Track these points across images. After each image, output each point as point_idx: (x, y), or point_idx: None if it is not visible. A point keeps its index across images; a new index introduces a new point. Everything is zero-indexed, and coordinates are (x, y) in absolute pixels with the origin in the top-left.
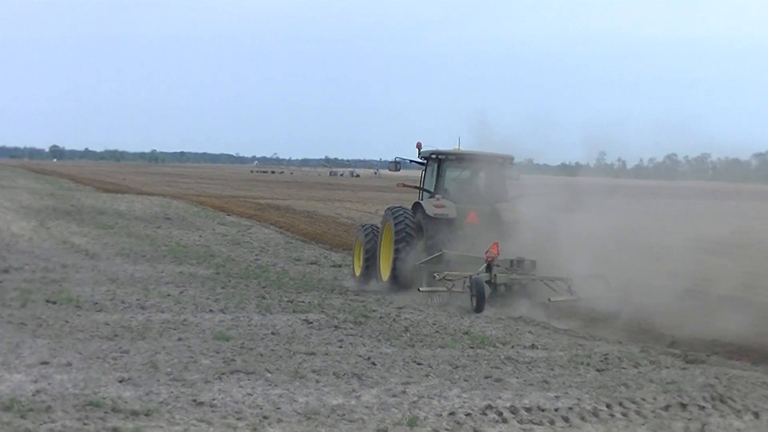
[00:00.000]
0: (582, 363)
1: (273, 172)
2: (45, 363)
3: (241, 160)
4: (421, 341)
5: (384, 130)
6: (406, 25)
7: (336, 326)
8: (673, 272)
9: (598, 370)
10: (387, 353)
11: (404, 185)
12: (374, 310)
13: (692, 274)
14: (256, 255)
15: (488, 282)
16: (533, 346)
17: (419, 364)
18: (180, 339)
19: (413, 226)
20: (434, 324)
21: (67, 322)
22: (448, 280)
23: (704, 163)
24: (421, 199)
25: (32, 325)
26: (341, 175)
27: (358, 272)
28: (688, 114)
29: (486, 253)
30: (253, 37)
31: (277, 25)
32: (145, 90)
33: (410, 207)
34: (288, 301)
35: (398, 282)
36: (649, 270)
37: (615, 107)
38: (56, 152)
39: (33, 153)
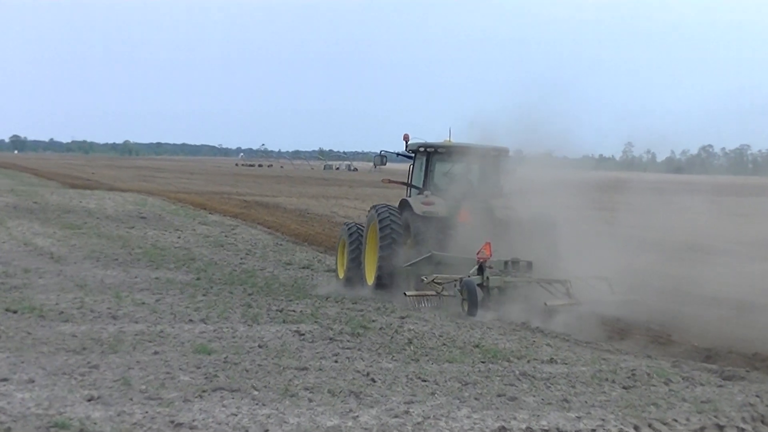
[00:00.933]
0: (606, 379)
1: (261, 166)
2: (4, 380)
3: (225, 152)
4: (427, 355)
5: (385, 119)
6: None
7: (331, 338)
8: (704, 277)
9: (624, 388)
10: (388, 368)
11: (390, 181)
12: (374, 321)
13: (727, 280)
14: (242, 258)
15: (480, 285)
16: (552, 361)
17: (424, 380)
18: (156, 352)
19: (400, 225)
20: (441, 336)
21: (29, 333)
22: (438, 283)
23: (743, 155)
24: (409, 196)
25: None
26: (337, 168)
27: (341, 275)
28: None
29: (478, 254)
30: (237, 16)
31: (263, 3)
32: (118, 74)
33: (397, 205)
34: (277, 310)
35: (384, 286)
36: (677, 274)
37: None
38: (17, 143)
39: None
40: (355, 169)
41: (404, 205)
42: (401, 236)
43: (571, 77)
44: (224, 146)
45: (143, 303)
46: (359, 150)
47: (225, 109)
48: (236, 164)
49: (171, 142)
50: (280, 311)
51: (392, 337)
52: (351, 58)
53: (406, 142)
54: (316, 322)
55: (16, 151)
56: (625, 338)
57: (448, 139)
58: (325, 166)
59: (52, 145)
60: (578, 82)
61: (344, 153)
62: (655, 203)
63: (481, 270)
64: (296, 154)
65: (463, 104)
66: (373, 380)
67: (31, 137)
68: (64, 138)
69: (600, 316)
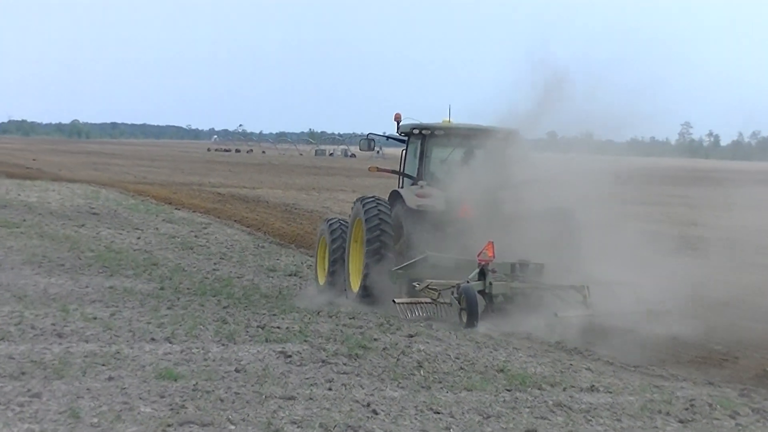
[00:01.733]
0: (659, 411)
1: (238, 151)
2: None
3: (195, 134)
4: (440, 381)
5: (388, 95)
6: None
7: (324, 361)
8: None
9: (681, 422)
10: (393, 398)
11: (378, 169)
12: (376, 339)
13: None
14: (215, 263)
15: (482, 292)
16: (592, 388)
17: (437, 412)
18: (111, 378)
19: (390, 222)
20: (458, 358)
21: None
22: (432, 289)
23: None
24: (401, 187)
25: None
26: (330, 154)
27: (322, 280)
28: None
29: (479, 255)
30: None
31: None
32: (64, 41)
33: (387, 197)
34: (258, 327)
35: (371, 295)
36: (744, 283)
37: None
38: None
39: None
40: (353, 155)
41: (395, 197)
42: (391, 235)
43: (619, 46)
44: (193, 127)
45: (95, 318)
46: (357, 131)
47: (194, 83)
48: (208, 149)
49: (128, 122)
50: (262, 328)
51: (398, 360)
52: (345, 22)
53: (398, 123)
54: (305, 341)
55: None
56: (680, 360)
57: (448, 119)
58: (316, 151)
59: None
60: (629, 51)
61: (339, 135)
62: (719, 196)
63: (482, 274)
64: (281, 137)
65: (479, 78)
66: (375, 412)
67: None
68: None
69: (633, 331)
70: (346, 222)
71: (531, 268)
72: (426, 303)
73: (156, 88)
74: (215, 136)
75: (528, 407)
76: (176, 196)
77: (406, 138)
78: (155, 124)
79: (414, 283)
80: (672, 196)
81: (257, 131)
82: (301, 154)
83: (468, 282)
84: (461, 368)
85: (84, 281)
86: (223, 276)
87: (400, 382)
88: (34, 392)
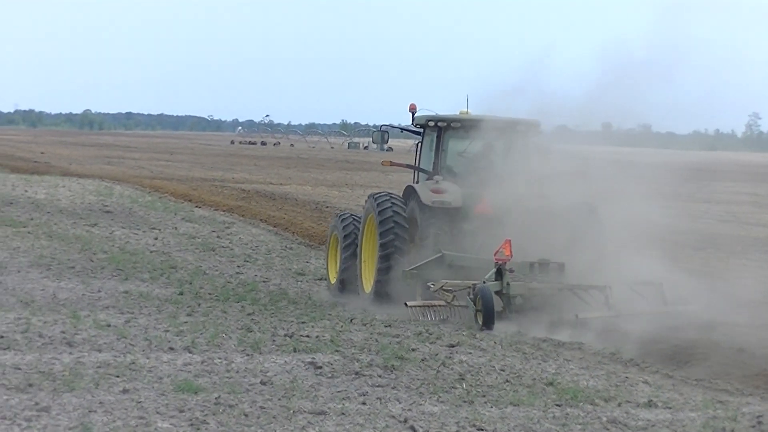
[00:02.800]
0: (723, 429)
1: (264, 144)
2: None
3: (217, 125)
4: (484, 395)
5: (427, 81)
6: None
7: (357, 373)
8: None
9: None
10: (433, 413)
11: (392, 163)
12: (413, 349)
13: None
14: (239, 266)
15: (499, 293)
16: (650, 404)
17: (481, 429)
18: (125, 391)
19: (404, 219)
20: (503, 370)
21: None
22: (447, 290)
23: None
24: (416, 182)
25: None
26: (365, 147)
27: (333, 279)
28: None
29: (495, 254)
30: None
31: None
32: (75, 25)
33: (402, 193)
34: (286, 335)
35: (385, 296)
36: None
37: None
38: None
39: None
40: (390, 149)
41: (410, 193)
42: (406, 232)
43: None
44: (216, 118)
45: (108, 325)
46: (394, 123)
47: (216, 70)
48: (232, 141)
49: (145, 112)
50: (290, 336)
51: (438, 372)
52: (384, 5)
53: (413, 115)
54: (336, 350)
55: None
56: (747, 374)
57: (465, 110)
58: (349, 144)
59: None
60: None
61: (374, 127)
62: None
63: (499, 274)
64: (311, 128)
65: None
66: (413, 428)
67: None
68: (5, 106)
69: (695, 342)
70: (359, 218)
71: (551, 267)
72: (440, 306)
73: (174, 76)
74: (240, 128)
75: (579, 424)
76: (196, 192)
77: (421, 130)
78: (174, 114)
79: (429, 284)
80: (738, 193)
81: (285, 122)
82: (332, 147)
83: (484, 282)
84: (507, 381)
85: (96, 285)
86: (247, 280)
87: (440, 396)
88: (43, 406)
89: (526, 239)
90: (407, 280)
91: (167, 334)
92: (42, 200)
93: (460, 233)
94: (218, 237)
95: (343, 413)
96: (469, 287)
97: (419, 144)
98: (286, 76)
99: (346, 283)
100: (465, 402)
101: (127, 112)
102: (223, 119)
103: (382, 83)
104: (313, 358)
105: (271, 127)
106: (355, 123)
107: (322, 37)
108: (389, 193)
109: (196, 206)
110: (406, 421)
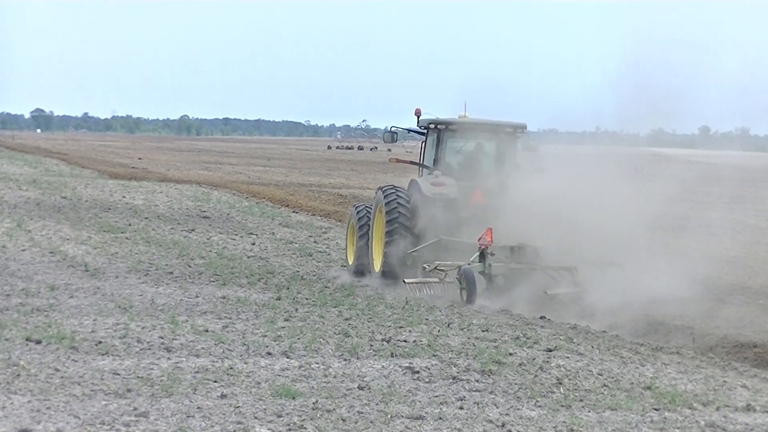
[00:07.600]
0: None
1: (361, 149)
2: (25, 431)
3: (314, 130)
4: (581, 400)
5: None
6: None
7: (455, 377)
8: None
9: None
10: (530, 417)
11: (398, 160)
12: (511, 354)
13: None
14: (336, 272)
15: (482, 272)
16: (749, 408)
17: None
18: (223, 396)
19: (407, 208)
20: (600, 374)
21: (57, 370)
22: (440, 270)
23: None
24: (420, 176)
25: (7, 375)
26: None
27: (350, 260)
28: None
29: (479, 240)
30: None
31: None
32: (172, 30)
33: (407, 186)
34: (383, 340)
35: (391, 275)
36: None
37: None
38: (40, 119)
39: (6, 120)
40: None
41: (413, 186)
42: (409, 220)
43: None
44: (313, 123)
45: (206, 330)
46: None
47: (313, 75)
48: (329, 147)
49: (242, 117)
50: (387, 341)
51: (536, 376)
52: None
53: (418, 118)
54: (434, 355)
55: (38, 130)
56: None
57: (464, 113)
58: None
59: (87, 122)
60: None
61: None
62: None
63: (482, 257)
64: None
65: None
66: None
67: (58, 112)
68: (103, 112)
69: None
70: (371, 207)
71: (528, 250)
72: (433, 282)
73: (272, 81)
74: (338, 133)
75: (678, 428)
76: (294, 198)
77: (425, 131)
78: (271, 120)
79: (424, 265)
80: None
81: (382, 127)
82: None
83: (469, 264)
84: (604, 385)
85: (194, 291)
86: (344, 285)
87: (537, 401)
88: (141, 411)
89: (510, 226)
90: (408, 261)
91: (265, 339)
92: (140, 206)
93: (456, 220)
94: (315, 242)
95: (440, 418)
96: (457, 268)
97: (423, 143)
98: (384, 79)
99: (362, 265)
100: (562, 406)
101: (224, 118)
102: (320, 124)
103: (485, 87)
104: (411, 363)
105: (367, 132)
106: None
107: (424, 39)
108: (395, 186)
109: (294, 211)
110: (503, 425)
